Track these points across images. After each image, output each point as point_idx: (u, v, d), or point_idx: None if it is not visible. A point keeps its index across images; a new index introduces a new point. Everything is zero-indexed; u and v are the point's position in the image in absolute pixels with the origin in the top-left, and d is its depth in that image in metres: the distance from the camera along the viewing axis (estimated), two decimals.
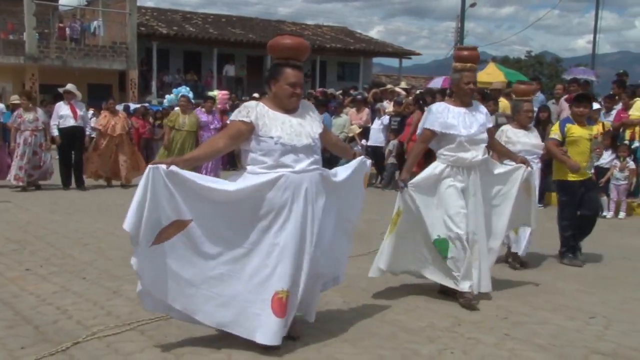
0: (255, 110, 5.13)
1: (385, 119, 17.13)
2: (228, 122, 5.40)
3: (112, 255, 8.49)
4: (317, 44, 41.06)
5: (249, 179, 5.08)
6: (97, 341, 5.34)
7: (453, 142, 6.73)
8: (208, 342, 5.39)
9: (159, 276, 4.94)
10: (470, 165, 6.77)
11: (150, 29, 36.78)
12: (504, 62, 42.10)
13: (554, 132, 8.58)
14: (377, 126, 17.20)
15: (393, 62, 46.95)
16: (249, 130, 5.10)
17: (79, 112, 15.40)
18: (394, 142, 16.30)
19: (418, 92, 20.08)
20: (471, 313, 6.47)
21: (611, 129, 13.49)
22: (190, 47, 39.05)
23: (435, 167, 6.81)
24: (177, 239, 4.91)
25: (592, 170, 8.89)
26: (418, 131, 7.19)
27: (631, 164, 12.99)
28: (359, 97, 19.98)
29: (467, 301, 6.59)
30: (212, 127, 15.38)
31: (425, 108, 16.30)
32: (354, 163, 5.82)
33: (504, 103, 15.04)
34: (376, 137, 17.14)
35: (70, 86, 15.58)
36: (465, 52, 6.97)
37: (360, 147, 17.45)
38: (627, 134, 13.92)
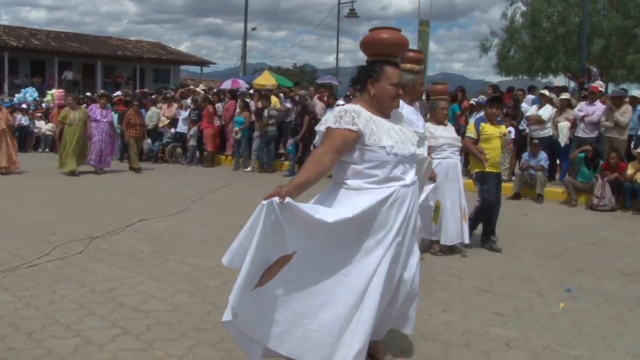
0: (361, 116, 3.39)
1: (188, 111, 16.89)
2: (321, 129, 3.48)
3: None
4: (137, 55, 40.07)
5: (361, 198, 3.37)
6: None
7: None
8: (47, 286, 5.18)
9: (261, 320, 3.29)
10: (420, 162, 5.18)
11: (2, 42, 34.10)
12: (277, 70, 42.41)
13: (470, 131, 7.31)
14: (182, 117, 16.91)
15: (197, 69, 46.21)
16: (355, 140, 3.37)
17: None
18: (194, 129, 16.22)
19: (200, 91, 19.95)
20: None
21: None
22: (36, 57, 36.65)
23: None
24: (279, 276, 3.25)
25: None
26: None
27: None
28: (169, 95, 19.65)
29: None
30: (105, 120, 14.36)
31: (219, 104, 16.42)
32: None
33: (274, 100, 15.24)
34: (181, 125, 16.87)
35: None
36: (413, 55, 5.41)
37: (169, 134, 17.23)
38: None
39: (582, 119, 11.35)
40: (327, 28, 56.11)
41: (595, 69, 15.52)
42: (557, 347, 4.22)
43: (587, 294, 5.46)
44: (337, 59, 34.20)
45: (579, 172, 10.90)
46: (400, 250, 3.46)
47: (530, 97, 13.84)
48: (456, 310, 4.88)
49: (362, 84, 3.55)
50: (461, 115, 13.88)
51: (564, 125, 11.82)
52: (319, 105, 15.08)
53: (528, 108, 12.68)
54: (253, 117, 14.87)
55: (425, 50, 15.24)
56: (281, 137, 15.13)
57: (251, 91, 17.64)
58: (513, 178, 11.63)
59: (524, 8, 30.66)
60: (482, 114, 8.02)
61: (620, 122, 10.88)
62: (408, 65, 5.26)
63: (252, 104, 15.48)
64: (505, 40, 31.26)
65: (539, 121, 11.72)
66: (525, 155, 11.62)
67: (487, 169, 7.02)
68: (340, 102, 14.19)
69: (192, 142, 16.30)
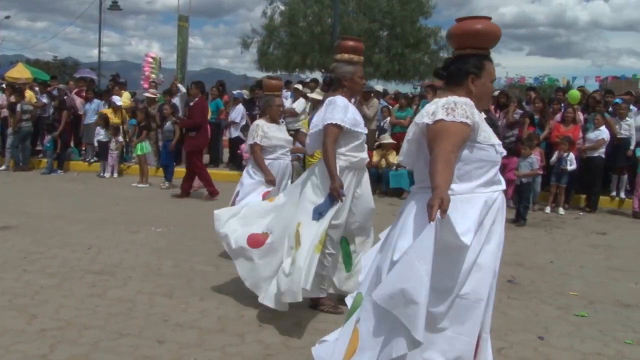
0: (474, 109, 2.86)
1: None
2: (423, 122, 2.84)
3: None
4: None
5: (472, 204, 2.79)
6: None
7: (357, 141, 4.61)
8: None
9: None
10: (364, 167, 4.79)
11: None
12: (36, 63, 39.30)
13: (304, 126, 6.55)
14: None
15: None
16: (468, 136, 2.83)
17: None
18: None
19: None
20: None
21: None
22: None
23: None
24: None
25: None
26: (315, 129, 4.59)
27: (120, 139, 12.96)
28: None
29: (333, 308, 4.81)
30: None
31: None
32: None
33: (29, 94, 14.15)
34: None
35: None
36: (352, 43, 4.75)
37: None
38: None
39: None
40: (91, 20, 52.57)
41: None
42: (306, 322, 4.51)
43: None
44: (99, 52, 32.59)
45: None
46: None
47: (286, 92, 14.37)
48: (213, 297, 4.99)
49: (457, 79, 2.99)
50: (223, 111, 14.04)
51: None
52: (77, 100, 14.35)
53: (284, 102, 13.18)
54: (6, 112, 13.73)
55: (185, 46, 15.19)
56: (38, 133, 14.13)
57: (3, 85, 16.21)
58: None
59: (282, 7, 31.72)
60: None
61: (367, 115, 11.77)
62: (346, 56, 4.69)
63: (4, 99, 14.26)
64: (265, 38, 32.09)
65: (293, 114, 12.25)
66: None
67: None
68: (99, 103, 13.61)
69: None
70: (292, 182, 6.14)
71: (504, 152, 2.99)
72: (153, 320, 4.42)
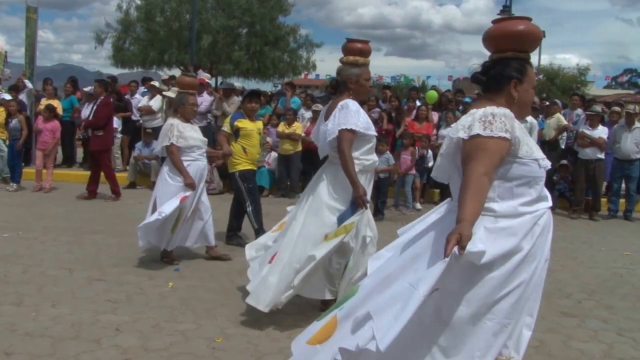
0: (514, 121, 2.61)
1: None
2: (458, 136, 2.62)
3: None
4: None
5: (517, 228, 2.59)
6: None
7: (369, 144, 4.54)
8: None
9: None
10: (373, 169, 4.73)
11: None
12: None
13: (225, 125, 6.56)
14: None
15: None
16: (508, 151, 2.58)
17: None
18: None
19: None
20: None
21: None
22: None
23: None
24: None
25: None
26: (332, 136, 4.44)
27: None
28: None
29: None
30: None
31: None
32: None
33: None
34: None
35: None
36: (360, 45, 4.63)
37: None
38: None
39: None
40: None
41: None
42: (165, 324, 4.43)
43: (195, 271, 5.82)
44: None
45: None
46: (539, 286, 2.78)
47: (141, 88, 13.96)
48: (66, 303, 4.77)
49: (498, 85, 2.76)
50: (78, 108, 13.44)
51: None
52: None
53: (140, 99, 12.82)
54: None
55: (33, 39, 14.33)
56: None
57: None
58: (128, 167, 11.75)
59: (138, 1, 30.77)
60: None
61: (227, 112, 11.71)
62: (351, 58, 4.60)
63: None
64: (120, 33, 31.05)
65: (150, 112, 11.96)
66: (139, 144, 11.73)
67: (248, 167, 6.47)
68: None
69: None
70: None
71: (548, 166, 2.76)
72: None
